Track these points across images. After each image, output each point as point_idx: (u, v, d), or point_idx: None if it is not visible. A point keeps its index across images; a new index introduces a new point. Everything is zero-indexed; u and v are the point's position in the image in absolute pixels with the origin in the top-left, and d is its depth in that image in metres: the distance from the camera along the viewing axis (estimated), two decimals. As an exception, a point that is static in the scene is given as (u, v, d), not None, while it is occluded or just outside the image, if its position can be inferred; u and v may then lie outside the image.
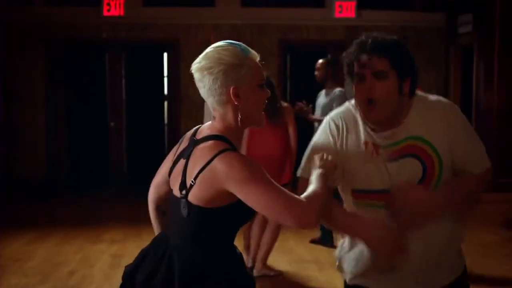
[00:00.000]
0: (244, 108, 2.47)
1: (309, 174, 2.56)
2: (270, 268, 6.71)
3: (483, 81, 10.47)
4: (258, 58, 2.49)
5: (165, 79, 12.20)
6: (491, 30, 10.35)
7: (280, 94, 6.67)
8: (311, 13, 11.95)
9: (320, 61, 7.92)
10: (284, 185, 6.25)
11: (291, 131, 6.55)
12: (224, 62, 2.43)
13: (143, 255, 2.70)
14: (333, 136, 2.73)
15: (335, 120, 2.75)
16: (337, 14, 11.76)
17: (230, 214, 2.46)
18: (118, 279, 6.59)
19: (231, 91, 2.43)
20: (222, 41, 2.53)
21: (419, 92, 2.73)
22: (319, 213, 2.37)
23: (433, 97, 2.73)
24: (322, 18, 11.92)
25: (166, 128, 12.24)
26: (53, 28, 11.41)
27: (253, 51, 2.49)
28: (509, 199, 9.11)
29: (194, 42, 11.69)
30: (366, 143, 2.66)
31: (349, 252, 2.82)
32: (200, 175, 2.42)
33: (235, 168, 2.34)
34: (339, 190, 2.83)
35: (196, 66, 2.52)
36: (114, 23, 11.50)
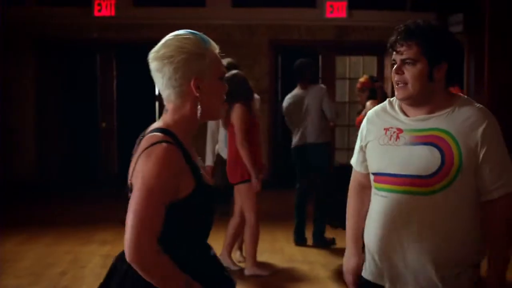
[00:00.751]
0: (203, 101, 2.37)
1: (361, 168, 2.94)
2: (262, 268, 6.69)
3: (474, 80, 10.52)
4: (217, 50, 2.44)
5: (156, 80, 12.17)
6: (482, 30, 10.39)
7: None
8: (302, 13, 11.96)
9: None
10: (238, 183, 6.40)
11: (236, 129, 6.25)
12: (186, 51, 2.35)
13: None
14: (362, 133, 2.92)
15: (368, 117, 2.93)
16: (328, 14, 11.78)
17: (176, 213, 2.30)
18: (109, 280, 6.59)
19: (192, 82, 2.34)
20: (182, 30, 2.45)
21: (464, 96, 2.80)
22: (152, 271, 2.24)
23: (478, 105, 2.74)
24: (313, 18, 11.94)
25: (157, 128, 12.21)
26: (44, 28, 11.40)
27: (213, 42, 2.43)
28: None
29: (185, 42, 11.65)
30: (386, 129, 2.78)
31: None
32: (134, 172, 2.31)
33: (148, 162, 2.24)
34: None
35: (153, 55, 2.43)
36: (105, 24, 11.49)
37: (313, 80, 8.11)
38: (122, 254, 2.39)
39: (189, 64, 2.34)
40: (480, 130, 2.64)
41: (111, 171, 12.01)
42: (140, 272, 2.27)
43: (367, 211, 2.90)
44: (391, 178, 2.71)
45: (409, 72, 2.67)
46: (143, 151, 2.31)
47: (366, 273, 2.89)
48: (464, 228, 2.68)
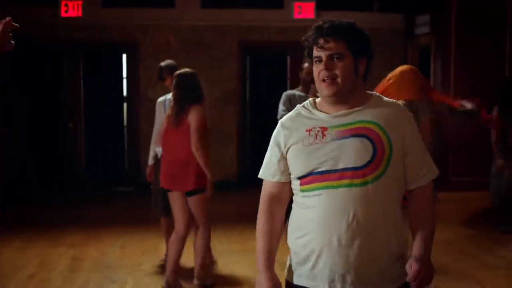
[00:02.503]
0: None
1: (280, 177, 2.83)
2: (211, 276, 6.50)
3: (440, 81, 10.61)
4: None
5: (124, 81, 12.12)
6: (448, 31, 10.50)
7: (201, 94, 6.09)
8: (270, 14, 11.99)
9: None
10: (194, 192, 5.92)
11: (193, 130, 5.86)
12: None
13: None
14: (279, 141, 2.84)
15: (282, 123, 2.87)
16: (296, 15, 11.81)
17: None
18: (77, 283, 6.56)
19: None
20: None
21: (376, 93, 2.87)
22: None
23: (392, 100, 2.87)
24: (282, 19, 11.97)
25: (125, 129, 12.17)
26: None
27: None
28: (464, 197, 9.24)
29: (153, 43, 11.65)
30: (309, 130, 2.75)
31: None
32: None
33: None
34: (292, 186, 2.85)
35: None
36: (72, 24, 11.40)
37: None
38: None
39: None
40: (405, 122, 2.77)
41: (79, 172, 11.92)
42: None
43: (278, 229, 2.90)
44: (323, 176, 2.69)
45: (338, 67, 2.70)
46: None
47: (298, 279, 2.84)
48: (396, 219, 2.74)
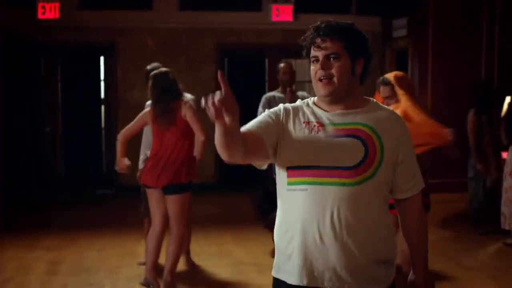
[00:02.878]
0: None
1: (258, 129, 2.69)
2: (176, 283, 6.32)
3: (417, 84, 10.67)
4: None
5: (102, 83, 12.08)
6: (425, 34, 10.57)
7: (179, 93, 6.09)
8: (248, 17, 12.00)
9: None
10: (182, 191, 5.99)
11: (195, 128, 5.96)
12: None
13: None
14: (278, 114, 2.79)
15: (285, 106, 2.84)
16: (274, 18, 11.83)
17: None
18: (55, 286, 6.51)
19: None
20: None
21: (374, 99, 2.89)
22: None
23: (390, 108, 2.91)
24: (260, 22, 11.98)
25: (103, 132, 12.12)
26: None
27: None
28: (440, 199, 9.28)
29: (131, 45, 11.61)
30: (306, 122, 2.76)
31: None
32: None
33: None
34: (276, 174, 2.83)
35: None
36: (49, 27, 11.33)
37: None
38: None
39: None
40: (399, 132, 2.78)
41: (56, 176, 11.85)
42: None
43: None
44: (312, 171, 2.69)
45: (335, 67, 2.71)
46: None
47: (282, 275, 2.83)
48: (382, 222, 2.75)
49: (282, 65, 7.60)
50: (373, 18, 12.00)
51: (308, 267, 2.70)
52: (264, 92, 11.53)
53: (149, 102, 6.70)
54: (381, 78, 5.96)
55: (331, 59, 2.72)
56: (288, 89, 7.42)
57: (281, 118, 2.79)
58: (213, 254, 7.54)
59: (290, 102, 2.93)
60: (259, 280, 6.55)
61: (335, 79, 2.71)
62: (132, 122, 6.13)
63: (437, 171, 10.63)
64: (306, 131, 2.74)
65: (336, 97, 2.75)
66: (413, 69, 10.95)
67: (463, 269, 6.97)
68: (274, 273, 2.89)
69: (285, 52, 12.21)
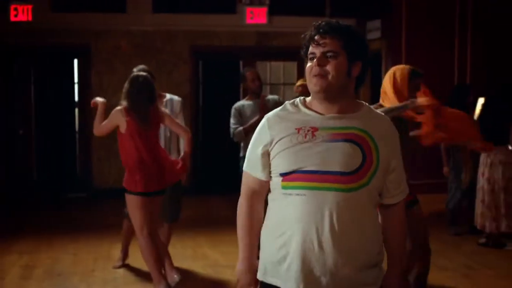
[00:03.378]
0: None
1: (262, 174, 2.80)
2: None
3: (391, 85, 10.71)
4: None
5: (76, 86, 12.00)
6: (398, 36, 10.64)
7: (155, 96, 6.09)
8: (222, 20, 11.99)
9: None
10: (156, 192, 5.97)
11: (177, 129, 6.18)
12: None
13: None
14: (263, 138, 2.80)
15: (269, 119, 2.82)
16: (249, 20, 11.82)
17: None
18: (29, 291, 6.43)
19: None
20: None
21: (367, 103, 2.88)
22: None
23: (382, 114, 2.88)
24: (234, 24, 11.98)
25: (77, 135, 12.05)
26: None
27: None
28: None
29: (105, 48, 11.56)
30: (298, 128, 2.72)
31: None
32: None
33: None
34: (271, 183, 2.83)
35: None
36: (22, 29, 11.25)
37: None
38: None
39: None
40: (392, 139, 2.79)
41: (30, 179, 11.76)
42: None
43: (258, 225, 2.90)
44: (309, 175, 2.66)
45: (331, 64, 2.68)
46: None
47: (272, 279, 2.81)
48: (375, 226, 2.77)
49: (248, 72, 7.47)
50: (347, 20, 11.96)
51: (305, 272, 2.68)
52: (239, 94, 11.61)
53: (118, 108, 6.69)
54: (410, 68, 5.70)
55: (328, 56, 2.70)
56: (262, 95, 7.34)
57: (267, 141, 2.78)
58: (188, 257, 7.53)
59: (263, 109, 2.92)
60: (235, 283, 6.55)
61: (329, 76, 2.69)
62: (106, 122, 6.04)
63: (412, 172, 10.69)
64: (300, 137, 2.70)
65: (328, 95, 2.71)
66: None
67: (437, 269, 7.01)
68: (261, 277, 2.87)
69: (259, 54, 12.28)
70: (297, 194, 2.68)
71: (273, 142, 2.76)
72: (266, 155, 2.80)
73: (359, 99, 2.88)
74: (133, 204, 5.90)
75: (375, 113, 2.83)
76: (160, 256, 6.02)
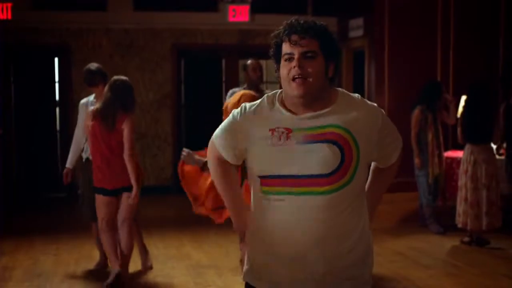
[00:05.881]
0: None
1: (221, 149, 2.78)
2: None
3: (374, 84, 10.72)
4: None
5: (56, 85, 11.90)
6: (381, 34, 10.61)
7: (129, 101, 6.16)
8: (204, 18, 11.95)
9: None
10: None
11: (126, 140, 6.10)
12: None
13: None
14: (237, 131, 2.73)
15: (245, 114, 2.73)
16: (231, 18, 11.77)
17: None
18: (9, 293, 6.36)
19: None
20: None
21: (339, 88, 2.76)
22: None
23: (357, 96, 2.75)
24: (216, 22, 11.94)
25: (58, 134, 11.95)
26: None
27: None
28: (393, 199, 9.32)
29: (86, 47, 11.49)
30: (272, 130, 2.62)
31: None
32: None
33: None
34: (250, 183, 2.76)
35: None
36: (2, 27, 11.12)
37: None
38: None
39: None
40: (378, 122, 2.69)
41: (10, 179, 11.63)
42: None
43: (236, 184, 2.93)
44: (287, 180, 2.57)
45: (311, 66, 2.59)
46: None
47: (257, 282, 2.76)
48: (362, 222, 2.70)
49: (250, 61, 7.40)
50: (330, 18, 12.00)
51: (289, 277, 2.63)
52: (221, 93, 11.57)
53: (83, 101, 6.70)
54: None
55: (308, 57, 2.60)
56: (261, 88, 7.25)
57: (240, 137, 2.71)
58: (171, 257, 7.46)
59: None
60: (218, 282, 6.51)
61: (310, 79, 2.59)
62: (81, 128, 6.39)
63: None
64: (275, 139, 2.61)
65: (309, 99, 2.62)
66: (370, 69, 10.99)
67: (419, 267, 7.01)
68: (247, 279, 2.82)
69: (242, 52, 12.22)
70: (276, 200, 2.62)
71: (245, 141, 2.70)
72: (236, 149, 2.76)
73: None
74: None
75: (351, 101, 2.70)
76: (116, 245, 6.27)
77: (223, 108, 5.78)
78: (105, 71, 6.92)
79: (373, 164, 2.87)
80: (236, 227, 2.96)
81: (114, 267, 6.23)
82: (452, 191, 8.69)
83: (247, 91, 5.89)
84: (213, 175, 2.93)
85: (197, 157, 5.26)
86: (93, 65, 6.93)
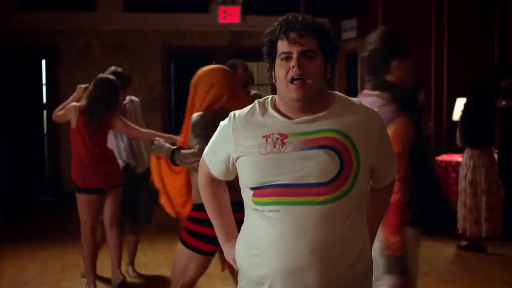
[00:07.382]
0: None
1: (211, 166, 2.69)
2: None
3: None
4: None
5: (44, 87, 11.74)
6: (374, 35, 10.50)
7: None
8: (195, 19, 11.85)
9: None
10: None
11: (133, 133, 6.24)
12: None
13: None
14: (227, 141, 2.57)
15: (235, 122, 2.56)
16: (222, 20, 11.71)
17: None
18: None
19: None
20: None
21: (337, 92, 2.60)
22: None
23: (356, 100, 2.57)
24: (207, 24, 11.86)
25: (45, 137, 11.79)
26: None
27: None
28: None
29: (74, 48, 11.36)
30: (266, 136, 2.45)
31: None
32: None
33: None
34: (242, 194, 2.58)
35: None
36: (-13, 29, 10.98)
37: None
38: None
39: None
40: (377, 127, 2.51)
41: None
42: None
43: (227, 206, 2.80)
44: (283, 189, 2.39)
45: (311, 66, 2.42)
46: None
47: None
48: (362, 233, 2.52)
49: (239, 62, 7.25)
50: (322, 19, 11.85)
51: None
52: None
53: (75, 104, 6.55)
54: None
55: (307, 57, 2.43)
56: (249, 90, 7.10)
57: (231, 146, 2.55)
58: (160, 265, 7.30)
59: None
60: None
61: (309, 81, 2.42)
62: (62, 112, 6.18)
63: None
64: (269, 147, 2.43)
65: (308, 102, 2.45)
66: (363, 71, 10.88)
67: (419, 274, 6.86)
68: None
69: (233, 54, 12.08)
70: (270, 211, 2.43)
71: (237, 150, 2.52)
72: (228, 161, 2.59)
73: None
74: (79, 199, 6.09)
75: (350, 104, 2.53)
76: (96, 253, 6.24)
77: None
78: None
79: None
80: (228, 256, 2.80)
81: (114, 276, 6.31)
82: (448, 195, 8.54)
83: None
84: (202, 196, 2.81)
85: (166, 145, 4.96)
86: (118, 69, 6.77)
